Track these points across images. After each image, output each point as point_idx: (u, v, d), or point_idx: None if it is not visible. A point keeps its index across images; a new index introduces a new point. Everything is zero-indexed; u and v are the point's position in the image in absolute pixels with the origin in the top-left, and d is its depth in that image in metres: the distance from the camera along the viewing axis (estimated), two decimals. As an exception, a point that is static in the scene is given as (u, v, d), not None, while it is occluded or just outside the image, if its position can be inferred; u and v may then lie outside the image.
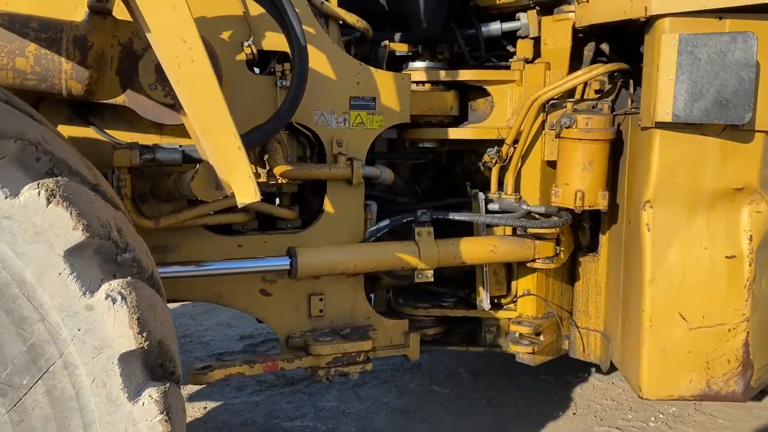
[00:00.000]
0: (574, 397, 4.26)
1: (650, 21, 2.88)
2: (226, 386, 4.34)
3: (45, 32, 2.43)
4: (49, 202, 1.57)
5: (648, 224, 2.97)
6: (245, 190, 1.99)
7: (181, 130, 2.78)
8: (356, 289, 3.39)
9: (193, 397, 4.24)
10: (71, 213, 1.59)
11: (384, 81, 3.28)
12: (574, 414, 4.04)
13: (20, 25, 2.40)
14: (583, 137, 3.14)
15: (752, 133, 2.88)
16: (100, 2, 2.47)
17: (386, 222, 3.34)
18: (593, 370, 4.56)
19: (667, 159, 2.92)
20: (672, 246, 2.97)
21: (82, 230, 1.60)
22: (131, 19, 2.52)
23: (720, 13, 2.79)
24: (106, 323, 1.62)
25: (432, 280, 3.34)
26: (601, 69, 3.24)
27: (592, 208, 3.22)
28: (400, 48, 3.67)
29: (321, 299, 3.30)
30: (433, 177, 4.00)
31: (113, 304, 1.63)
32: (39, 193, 1.57)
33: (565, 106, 3.28)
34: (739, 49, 2.67)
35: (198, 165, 2.46)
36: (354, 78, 3.23)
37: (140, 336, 1.66)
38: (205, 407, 4.14)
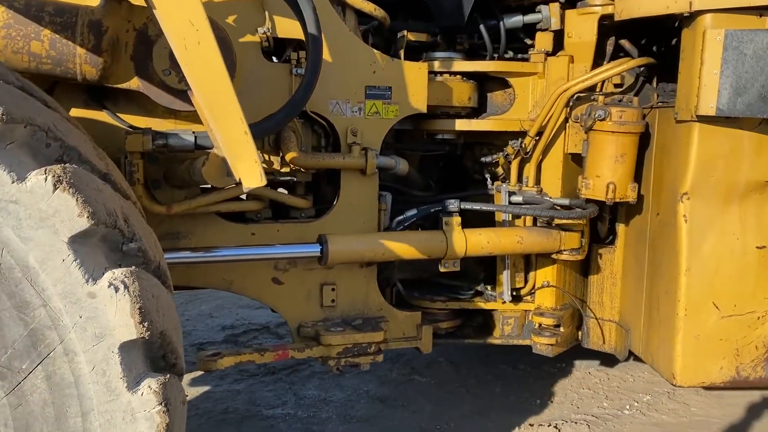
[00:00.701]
0: (551, 386, 4.27)
1: (692, 16, 2.91)
2: (207, 374, 4.21)
3: (60, 16, 2.38)
4: (55, 188, 1.55)
5: (685, 216, 3.01)
6: (251, 175, 1.96)
7: (195, 117, 2.70)
8: (369, 279, 3.30)
9: None
10: (77, 200, 1.57)
11: (400, 70, 3.19)
12: (551, 402, 4.04)
13: (36, 9, 2.36)
14: (617, 130, 3.15)
15: (783, 127, 2.97)
16: None
17: (414, 211, 3.28)
18: (571, 359, 4.61)
19: (705, 152, 2.96)
20: (707, 237, 3.02)
21: (88, 217, 1.57)
22: (145, 4, 2.42)
23: (761, 10, 2.86)
24: (107, 311, 1.60)
25: (458, 269, 3.28)
26: (632, 63, 3.26)
27: (622, 200, 3.25)
28: (418, 38, 3.59)
29: (333, 289, 3.23)
30: (444, 169, 3.96)
31: (116, 292, 1.60)
32: (46, 179, 1.55)
33: (595, 99, 3.28)
34: (785, 45, 2.75)
35: (210, 151, 2.41)
36: (370, 67, 3.13)
37: (141, 326, 1.63)
38: (186, 395, 3.98)
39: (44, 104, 1.89)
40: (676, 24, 3.03)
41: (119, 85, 2.61)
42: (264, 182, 1.97)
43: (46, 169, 1.57)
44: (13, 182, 1.54)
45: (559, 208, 3.42)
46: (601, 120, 3.14)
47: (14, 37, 2.35)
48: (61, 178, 1.58)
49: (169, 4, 1.81)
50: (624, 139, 3.15)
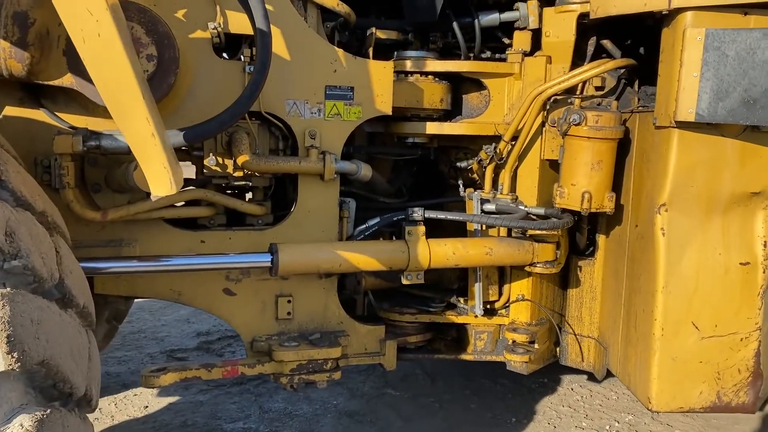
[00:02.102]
0: (530, 403, 4.06)
1: (671, 14, 2.70)
2: (173, 384, 4.06)
3: None
4: None
5: (663, 228, 2.80)
6: (159, 182, 1.82)
7: None
8: (329, 291, 3.14)
9: (136, 395, 3.95)
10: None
11: (364, 70, 3.01)
12: (528, 420, 3.84)
13: None
14: (593, 135, 2.94)
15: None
16: None
17: (376, 220, 3.11)
18: (553, 375, 4.40)
19: (685, 160, 2.75)
20: (686, 251, 2.81)
21: None
22: None
23: (746, 8, 2.64)
24: None
25: (422, 281, 3.10)
26: (611, 64, 3.05)
27: (598, 211, 3.04)
28: (388, 36, 3.40)
29: (289, 301, 3.07)
30: (417, 174, 3.77)
31: None
32: None
33: (571, 103, 3.08)
34: (770, 46, 2.53)
35: None
36: (330, 65, 2.96)
37: (10, 356, 1.45)
38: (146, 406, 3.83)
39: None
40: (656, 23, 2.81)
41: (51, 82, 2.45)
42: (174, 190, 1.83)
43: None
44: None
45: (535, 217, 3.22)
46: (576, 125, 2.94)
47: None
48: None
49: None
50: (600, 146, 2.95)
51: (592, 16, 2.96)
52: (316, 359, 2.98)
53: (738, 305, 2.84)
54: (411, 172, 3.69)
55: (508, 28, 3.40)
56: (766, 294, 2.85)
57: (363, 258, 2.94)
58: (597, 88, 3.23)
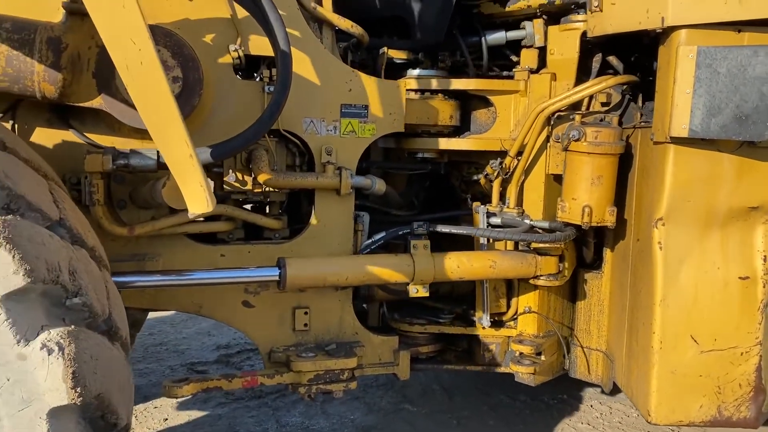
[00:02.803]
0: (548, 420, 4.07)
1: (666, 32, 2.75)
2: (191, 397, 4.15)
3: (18, 33, 2.36)
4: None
5: (660, 242, 2.84)
6: (197, 200, 1.90)
7: None
8: (344, 302, 3.22)
9: (156, 408, 4.07)
10: (14, 256, 1.50)
11: (377, 88, 3.12)
12: None
13: None
14: (593, 151, 3.00)
15: (766, 150, 2.77)
16: (75, 3, 2.39)
17: (381, 234, 3.18)
18: (573, 391, 4.41)
19: (681, 175, 2.79)
20: (684, 265, 2.84)
21: (24, 275, 1.51)
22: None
23: (739, 25, 2.67)
24: (38, 375, 1.51)
25: (427, 295, 3.17)
26: (611, 81, 3.11)
27: (599, 225, 3.09)
28: (400, 55, 3.52)
29: (306, 313, 3.15)
30: (430, 189, 3.86)
31: (48, 355, 1.52)
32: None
33: (573, 119, 3.15)
34: (760, 63, 2.54)
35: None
36: (345, 85, 3.07)
37: (74, 391, 1.54)
38: (166, 419, 3.94)
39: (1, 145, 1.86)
40: (652, 41, 2.86)
41: (81, 104, 2.57)
42: (211, 208, 1.92)
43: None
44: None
45: (541, 231, 3.28)
46: (575, 140, 3.00)
47: None
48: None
49: (110, 22, 1.78)
50: (600, 161, 3.00)
51: (589, 35, 3.03)
52: (333, 369, 3.06)
53: (738, 319, 2.85)
54: (423, 186, 3.78)
55: (517, 46, 3.47)
56: (766, 309, 2.85)
57: (369, 271, 3.02)
58: (603, 104, 3.28)
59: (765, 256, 2.84)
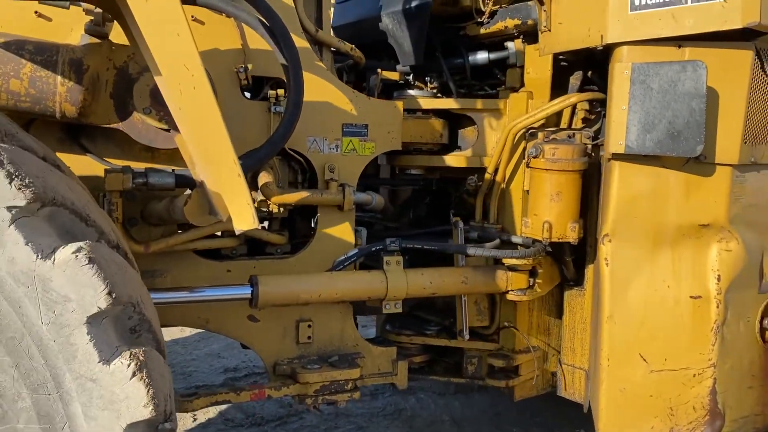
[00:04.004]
0: None
1: (610, 49, 2.79)
2: (192, 421, 4.23)
3: (41, 54, 2.44)
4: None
5: (606, 259, 2.85)
6: (244, 218, 1.97)
7: (172, 155, 2.85)
8: (345, 315, 3.35)
9: None
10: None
11: (376, 108, 3.30)
12: None
13: (16, 47, 2.42)
14: (550, 167, 3.05)
15: (715, 167, 2.71)
16: (97, 26, 2.53)
17: (355, 251, 3.27)
18: (588, 426, 4.30)
19: (627, 191, 2.79)
20: (633, 282, 2.83)
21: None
22: (127, 43, 2.60)
23: (679, 41, 2.67)
24: (119, 391, 1.62)
25: (400, 311, 3.27)
26: (574, 98, 3.15)
27: (560, 240, 3.12)
28: (393, 76, 3.71)
29: (309, 326, 3.25)
30: (430, 205, 4.01)
31: (130, 374, 1.62)
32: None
33: (535, 135, 3.21)
34: (689, 79, 2.53)
35: (192, 190, 2.48)
36: (347, 105, 3.27)
37: (152, 407, 1.66)
38: None
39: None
40: (605, 58, 2.90)
41: (98, 123, 2.63)
42: (257, 225, 2.01)
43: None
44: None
45: (521, 246, 3.34)
46: (534, 157, 3.07)
47: None
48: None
49: (165, 49, 1.85)
50: (559, 177, 3.05)
51: (540, 54, 3.10)
52: (338, 380, 3.17)
53: (689, 340, 2.80)
54: (422, 202, 3.93)
55: (505, 65, 3.57)
56: (723, 330, 2.78)
57: (342, 288, 3.14)
58: (583, 120, 3.31)
59: (719, 275, 2.77)
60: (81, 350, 1.59)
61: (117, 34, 2.60)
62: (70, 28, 2.62)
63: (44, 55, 2.44)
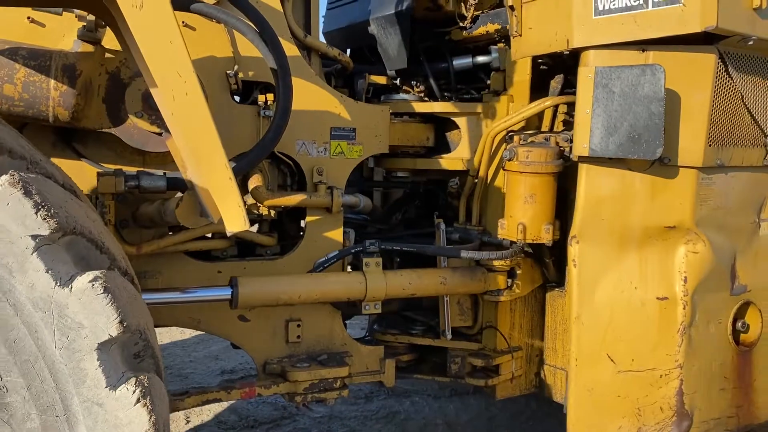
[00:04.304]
0: None
1: (577, 54, 2.84)
2: (185, 426, 4.27)
3: (34, 60, 2.50)
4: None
5: (574, 260, 2.89)
6: (235, 219, 2.03)
7: (163, 158, 2.98)
8: (334, 315, 3.42)
9: None
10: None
11: (364, 112, 3.39)
12: None
13: (9, 53, 2.48)
14: (523, 170, 3.10)
15: (680, 169, 2.74)
16: (90, 32, 2.59)
17: (335, 253, 3.33)
18: None
19: (593, 193, 2.84)
20: (600, 283, 2.87)
21: (119, 325, 1.70)
22: (119, 48, 2.67)
23: (643, 44, 2.70)
24: (122, 416, 1.68)
25: (380, 312, 3.34)
26: (549, 102, 3.19)
27: (535, 242, 3.17)
28: (381, 80, 3.79)
29: (299, 325, 3.31)
30: (420, 207, 4.08)
31: (135, 400, 1.69)
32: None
33: (523, 139, 3.26)
34: (648, 83, 2.57)
35: (183, 192, 2.56)
36: (335, 109, 3.35)
37: (154, 427, 1.72)
38: None
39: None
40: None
41: (91, 127, 2.70)
42: (248, 226, 2.06)
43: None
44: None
45: (498, 247, 3.40)
46: (508, 160, 3.12)
47: None
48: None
49: (158, 56, 1.90)
50: (532, 180, 3.10)
51: (513, 59, 3.15)
52: (326, 378, 3.24)
53: (655, 341, 2.83)
54: (413, 204, 4.00)
55: (490, 69, 3.63)
56: (691, 331, 2.80)
57: (321, 289, 3.21)
58: (564, 123, 3.36)
59: (686, 277, 2.80)
60: (90, 375, 1.66)
61: (108, 39, 2.67)
62: (62, 34, 2.69)
63: (38, 60, 2.51)
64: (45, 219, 1.64)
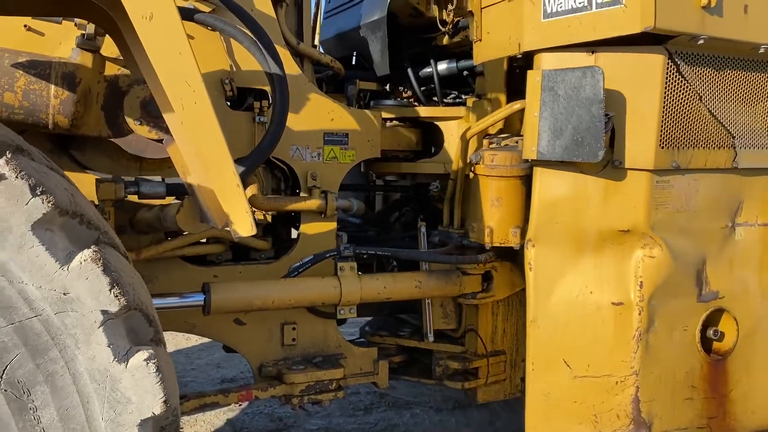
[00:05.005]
0: None
1: (530, 57, 2.84)
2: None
3: (34, 68, 2.54)
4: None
5: (530, 263, 2.88)
6: (243, 224, 2.06)
7: (159, 164, 3.13)
8: (328, 317, 3.50)
9: None
10: (113, 283, 1.74)
11: (356, 118, 3.49)
12: None
13: (9, 61, 2.53)
14: (489, 173, 3.11)
15: (631, 172, 2.69)
16: (90, 41, 2.65)
17: (309, 258, 3.37)
18: None
19: (546, 196, 2.82)
20: (556, 287, 2.85)
21: (120, 299, 1.76)
22: (117, 56, 2.78)
23: (592, 46, 2.68)
24: (132, 389, 1.74)
25: (355, 316, 3.40)
26: (518, 105, 3.15)
27: (502, 245, 3.17)
28: (370, 86, 3.88)
29: (294, 328, 3.38)
30: (413, 210, 4.13)
31: (143, 372, 1.75)
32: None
33: (496, 143, 3.28)
34: (588, 85, 2.54)
35: (182, 198, 2.66)
36: (328, 115, 3.45)
37: (164, 403, 1.78)
38: None
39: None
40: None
41: (90, 134, 2.77)
42: (255, 231, 2.09)
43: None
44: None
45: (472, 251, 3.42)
46: (475, 164, 3.15)
47: None
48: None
49: (168, 67, 1.94)
50: (498, 183, 3.11)
51: (474, 62, 3.17)
52: (322, 380, 3.33)
53: (611, 347, 2.79)
54: (401, 207, 4.07)
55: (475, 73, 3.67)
56: (648, 337, 2.75)
57: (295, 294, 3.17)
58: (542, 127, 3.35)
59: (641, 282, 2.74)
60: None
61: (106, 47, 2.74)
62: (59, 42, 2.73)
63: (38, 68, 2.56)
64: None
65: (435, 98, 3.81)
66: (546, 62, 2.76)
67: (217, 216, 2.13)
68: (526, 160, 3.13)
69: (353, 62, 4.21)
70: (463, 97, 3.79)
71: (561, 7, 2.67)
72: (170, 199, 3.03)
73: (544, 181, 2.83)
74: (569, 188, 2.79)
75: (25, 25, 2.79)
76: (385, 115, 3.69)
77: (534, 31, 2.75)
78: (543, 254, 2.87)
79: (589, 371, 2.83)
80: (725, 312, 2.95)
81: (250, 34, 2.83)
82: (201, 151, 2.03)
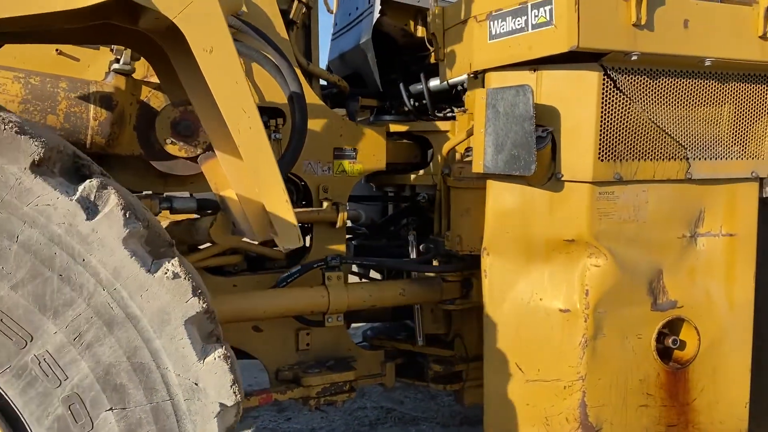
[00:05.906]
0: None
1: (480, 76, 3.00)
2: None
3: (74, 92, 2.71)
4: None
5: (485, 271, 3.04)
6: (290, 237, 2.22)
7: (183, 181, 3.34)
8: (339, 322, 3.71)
9: None
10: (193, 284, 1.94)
11: (363, 134, 3.73)
12: None
13: (51, 85, 2.69)
14: (457, 185, 3.30)
15: (572, 184, 2.80)
16: (126, 65, 2.81)
17: (297, 268, 3.54)
18: None
19: (497, 207, 2.97)
20: (509, 293, 2.99)
21: (201, 301, 1.96)
22: (147, 78, 3.00)
23: (534, 65, 2.81)
24: (212, 384, 1.93)
25: (342, 323, 3.57)
26: (481, 121, 3.35)
27: (472, 253, 3.32)
28: (372, 103, 4.13)
29: (308, 334, 3.63)
30: (419, 219, 4.33)
31: (220, 368, 1.94)
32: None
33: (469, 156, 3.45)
34: (521, 102, 2.68)
35: (212, 213, 2.94)
36: (337, 131, 3.72)
37: (236, 395, 1.97)
38: None
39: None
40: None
41: (122, 153, 2.95)
42: (301, 243, 2.26)
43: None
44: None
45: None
46: (446, 175, 3.34)
47: (31, 111, 2.64)
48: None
49: (226, 95, 2.09)
50: (465, 194, 3.29)
51: (440, 82, 3.35)
52: (337, 382, 3.57)
53: (559, 352, 2.91)
54: (402, 216, 4.29)
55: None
56: (595, 344, 2.85)
57: (285, 304, 3.32)
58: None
59: (587, 290, 2.85)
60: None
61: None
62: (87, 65, 2.92)
63: (77, 92, 2.73)
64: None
65: (427, 114, 4.01)
66: (493, 81, 2.92)
67: (259, 228, 2.31)
68: (492, 173, 3.29)
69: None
70: (455, 111, 3.97)
71: (503, 29, 2.83)
72: (165, 214, 3.37)
73: (496, 192, 2.98)
74: (518, 200, 2.93)
75: (57, 50, 2.99)
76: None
77: (481, 51, 2.92)
78: (496, 262, 3.02)
79: (539, 375, 2.95)
80: (686, 321, 2.99)
81: (270, 57, 3.04)
82: (255, 171, 2.19)
